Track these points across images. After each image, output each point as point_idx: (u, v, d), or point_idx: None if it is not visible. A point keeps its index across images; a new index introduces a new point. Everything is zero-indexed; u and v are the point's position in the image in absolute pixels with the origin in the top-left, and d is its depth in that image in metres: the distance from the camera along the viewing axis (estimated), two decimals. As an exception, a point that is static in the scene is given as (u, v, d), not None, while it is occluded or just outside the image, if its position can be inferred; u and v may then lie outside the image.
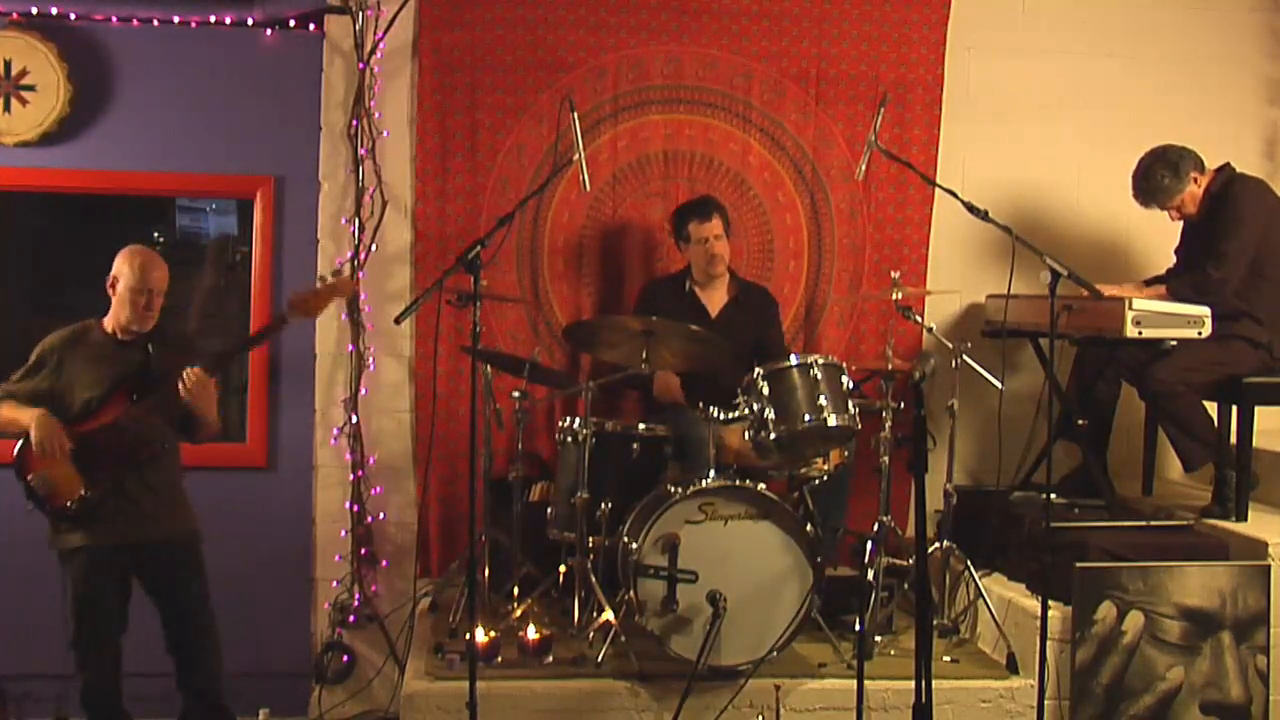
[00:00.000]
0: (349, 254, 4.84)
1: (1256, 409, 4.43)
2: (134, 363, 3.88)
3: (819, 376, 4.00)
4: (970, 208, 4.07)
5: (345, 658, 4.91)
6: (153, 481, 3.89)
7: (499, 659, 3.98)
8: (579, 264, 5.01)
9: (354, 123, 4.84)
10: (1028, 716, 3.96)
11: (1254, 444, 4.47)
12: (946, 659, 4.18)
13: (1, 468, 4.73)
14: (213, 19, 4.79)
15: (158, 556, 3.90)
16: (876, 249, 5.10)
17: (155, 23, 4.78)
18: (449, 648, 4.08)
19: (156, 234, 5.26)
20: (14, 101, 4.68)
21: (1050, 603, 3.85)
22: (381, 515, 4.96)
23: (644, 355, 4.01)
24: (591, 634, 4.04)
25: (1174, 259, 4.81)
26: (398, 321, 3.80)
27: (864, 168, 4.65)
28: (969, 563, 4.37)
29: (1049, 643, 3.81)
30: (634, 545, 3.84)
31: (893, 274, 4.43)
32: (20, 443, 3.79)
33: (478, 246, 3.65)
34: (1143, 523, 4.37)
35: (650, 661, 3.90)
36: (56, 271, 5.06)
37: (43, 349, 3.90)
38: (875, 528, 4.34)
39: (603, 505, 4.11)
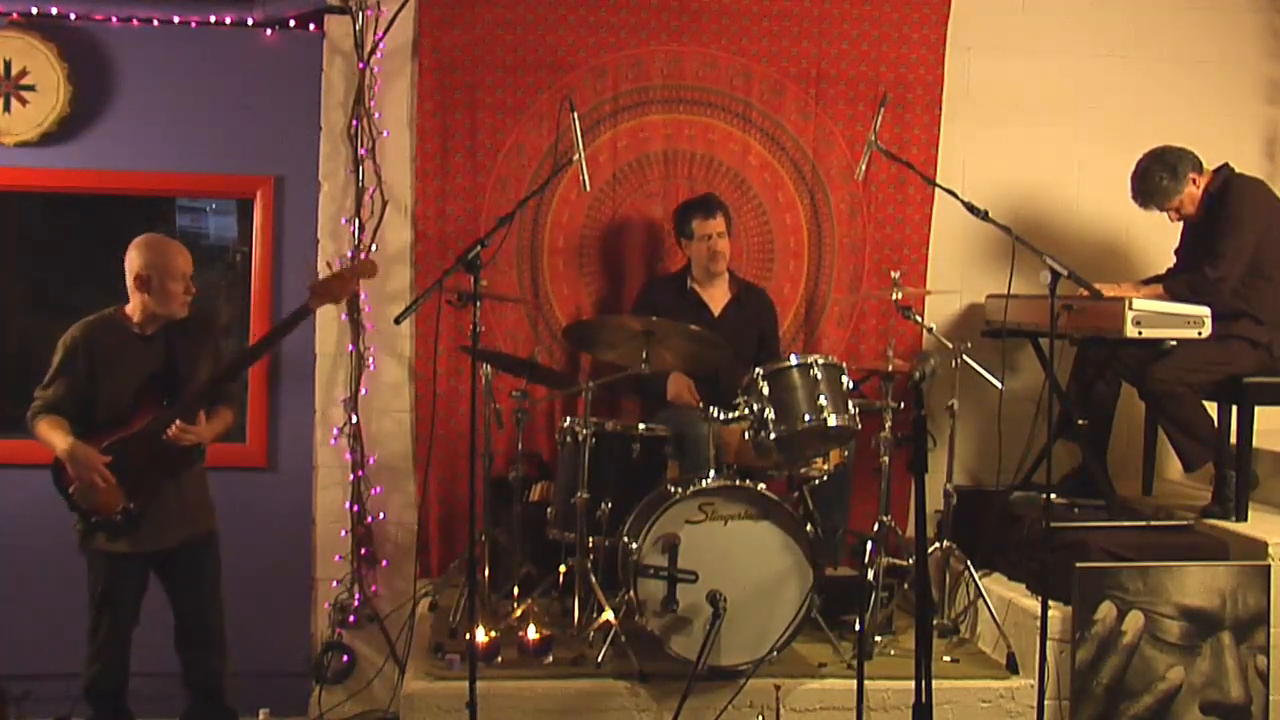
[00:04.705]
0: (349, 254, 4.85)
1: (1256, 409, 4.43)
2: (159, 358, 3.85)
3: (819, 376, 4.00)
4: (970, 208, 4.07)
5: (345, 658, 4.91)
6: (185, 484, 3.90)
7: (499, 659, 3.97)
8: (579, 264, 5.01)
9: (354, 123, 4.84)
10: (1028, 716, 3.96)
11: (1254, 444, 4.48)
12: (946, 659, 4.18)
13: (3, 468, 4.77)
14: (213, 19, 4.79)
15: (178, 556, 3.91)
16: (876, 249, 5.10)
17: (155, 23, 4.78)
18: (449, 648, 4.08)
19: (156, 234, 5.26)
20: (14, 101, 4.68)
21: (1050, 603, 3.85)
22: (381, 515, 4.96)
23: (644, 355, 4.01)
24: (591, 634, 4.04)
25: (1174, 259, 4.81)
26: (398, 321, 3.80)
27: (864, 168, 4.65)
28: (969, 563, 4.37)
29: (1049, 643, 3.81)
30: (634, 545, 3.84)
31: (893, 274, 4.43)
32: (56, 457, 3.76)
33: (478, 246, 3.65)
34: (1143, 523, 4.37)
35: (650, 661, 3.90)
36: (56, 271, 5.07)
37: (68, 345, 3.82)
38: (875, 528, 4.34)
39: (603, 505, 4.11)
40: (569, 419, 4.28)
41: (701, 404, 4.44)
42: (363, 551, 4.92)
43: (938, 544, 4.45)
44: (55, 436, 3.73)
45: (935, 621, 4.33)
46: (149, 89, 4.84)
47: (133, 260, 3.82)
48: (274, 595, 4.89)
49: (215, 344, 4.01)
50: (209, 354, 3.95)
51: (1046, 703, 3.83)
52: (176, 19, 4.78)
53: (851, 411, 4.02)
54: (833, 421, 3.96)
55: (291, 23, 4.85)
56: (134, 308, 3.86)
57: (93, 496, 3.73)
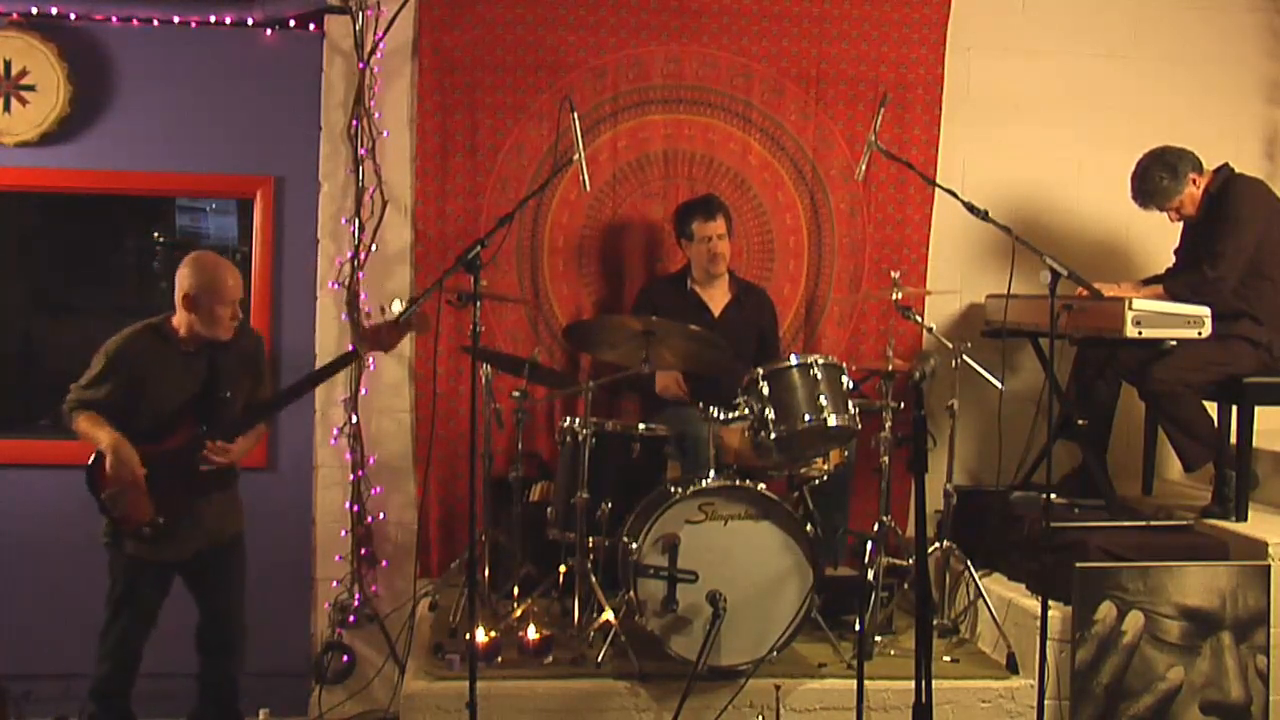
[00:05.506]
0: (349, 254, 4.85)
1: (1256, 409, 4.43)
2: (201, 378, 3.81)
3: (819, 376, 4.00)
4: (970, 208, 4.07)
5: (345, 658, 4.91)
6: (216, 496, 3.89)
7: (499, 659, 3.97)
8: (579, 264, 5.01)
9: (354, 123, 4.84)
10: (1028, 716, 3.96)
11: (1254, 444, 4.48)
12: (946, 659, 4.18)
13: (3, 468, 4.77)
14: (213, 19, 4.79)
15: (204, 560, 3.90)
16: (876, 249, 5.11)
17: (155, 23, 4.78)
18: (449, 648, 4.08)
19: (156, 234, 5.27)
20: (14, 101, 4.68)
21: (1050, 603, 3.85)
22: (381, 515, 4.96)
23: (644, 355, 4.00)
24: (591, 634, 4.03)
25: (1174, 259, 4.81)
26: (398, 321, 3.80)
27: (864, 168, 4.65)
28: (969, 563, 4.37)
29: (1049, 643, 3.81)
30: (634, 545, 3.83)
31: (893, 274, 4.43)
32: (94, 456, 3.71)
33: (478, 246, 3.64)
34: (1143, 523, 4.37)
35: (650, 661, 3.90)
36: (56, 271, 5.07)
37: (111, 357, 3.74)
38: (875, 528, 4.34)
39: (603, 505, 4.11)
40: (569, 419, 4.27)
41: (690, 396, 4.44)
42: (363, 551, 4.92)
43: (938, 544, 4.45)
44: (100, 431, 3.66)
45: (935, 621, 4.32)
46: (149, 89, 4.84)
47: (183, 279, 3.76)
48: (274, 595, 4.87)
49: (259, 370, 3.98)
50: (251, 379, 3.94)
51: (1046, 703, 3.83)
52: (176, 19, 4.78)
53: (851, 411, 4.02)
54: (833, 421, 3.96)
55: (291, 23, 4.85)
56: (179, 323, 3.80)
57: (123, 504, 3.70)
